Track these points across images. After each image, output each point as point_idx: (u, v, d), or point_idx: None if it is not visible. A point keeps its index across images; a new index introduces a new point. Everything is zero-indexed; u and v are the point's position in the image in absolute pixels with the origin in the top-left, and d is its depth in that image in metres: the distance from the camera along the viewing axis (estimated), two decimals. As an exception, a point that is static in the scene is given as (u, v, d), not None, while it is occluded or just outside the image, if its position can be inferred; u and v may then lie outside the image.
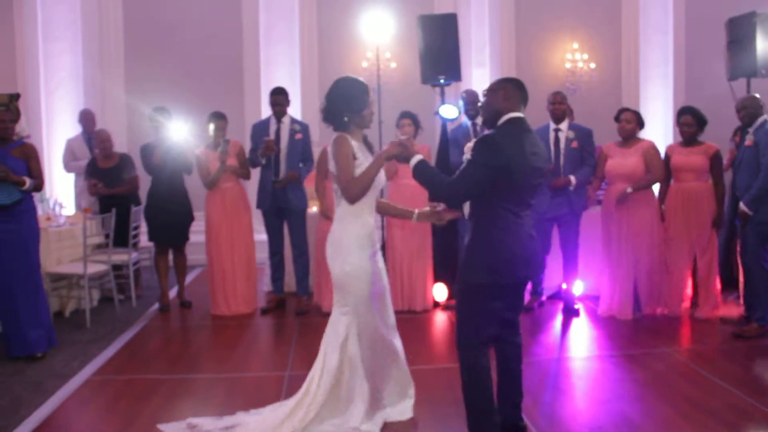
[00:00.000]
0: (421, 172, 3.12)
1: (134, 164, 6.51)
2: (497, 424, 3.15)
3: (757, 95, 5.31)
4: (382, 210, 3.64)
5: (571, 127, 5.85)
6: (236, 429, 3.47)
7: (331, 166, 3.39)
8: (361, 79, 3.45)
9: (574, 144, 5.76)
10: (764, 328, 5.09)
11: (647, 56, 9.35)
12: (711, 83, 8.18)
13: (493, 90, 3.16)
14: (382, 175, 3.43)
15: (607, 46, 9.41)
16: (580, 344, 5.20)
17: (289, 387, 4.16)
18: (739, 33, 6.51)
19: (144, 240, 6.71)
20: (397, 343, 3.60)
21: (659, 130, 9.19)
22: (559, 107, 5.80)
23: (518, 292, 3.23)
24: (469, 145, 3.17)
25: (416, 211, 3.50)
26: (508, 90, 3.10)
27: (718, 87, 7.57)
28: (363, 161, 3.35)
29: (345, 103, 3.34)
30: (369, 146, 3.52)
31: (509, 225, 3.02)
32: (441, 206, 3.36)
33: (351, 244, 3.34)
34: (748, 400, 3.88)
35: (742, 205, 5.11)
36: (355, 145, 3.36)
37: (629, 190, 5.55)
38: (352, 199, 3.30)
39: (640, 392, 4.06)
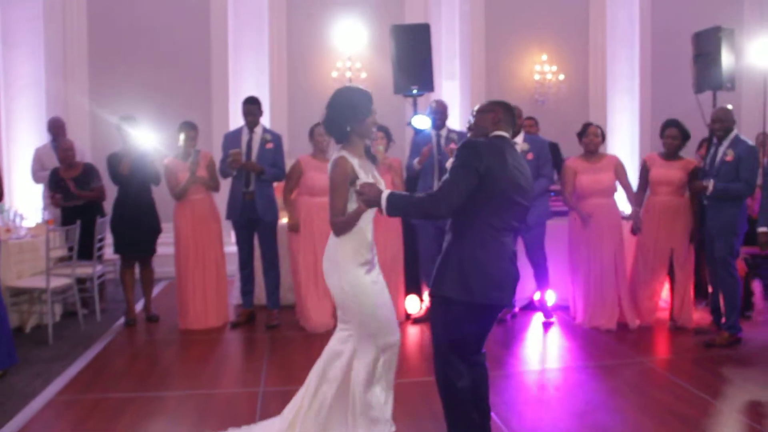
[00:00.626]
0: (396, 205, 2.95)
1: (99, 174, 6.32)
2: None
3: (730, 107, 5.35)
4: None
5: (526, 139, 5.88)
6: None
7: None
8: (363, 87, 3.33)
9: (529, 156, 5.75)
10: (735, 337, 5.15)
11: (614, 69, 9.51)
12: (676, 96, 8.32)
13: (483, 111, 3.10)
14: (382, 186, 3.26)
15: (575, 59, 9.53)
16: (555, 355, 5.19)
17: (264, 404, 4.06)
18: (705, 47, 6.60)
19: (109, 252, 6.53)
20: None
21: (626, 142, 9.34)
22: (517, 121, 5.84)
23: (491, 315, 3.07)
24: (452, 160, 3.07)
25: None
26: (498, 113, 3.05)
27: (683, 100, 7.66)
28: (364, 179, 3.19)
29: (349, 111, 3.19)
30: (372, 158, 3.37)
31: (488, 242, 2.92)
32: None
33: (346, 260, 3.19)
34: (723, 408, 3.91)
35: (709, 182, 5.12)
36: (356, 162, 3.20)
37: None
38: (336, 234, 3.21)
39: (617, 403, 4.06)
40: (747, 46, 8.55)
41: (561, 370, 4.76)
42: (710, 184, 5.12)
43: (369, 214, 3.26)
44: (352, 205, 3.19)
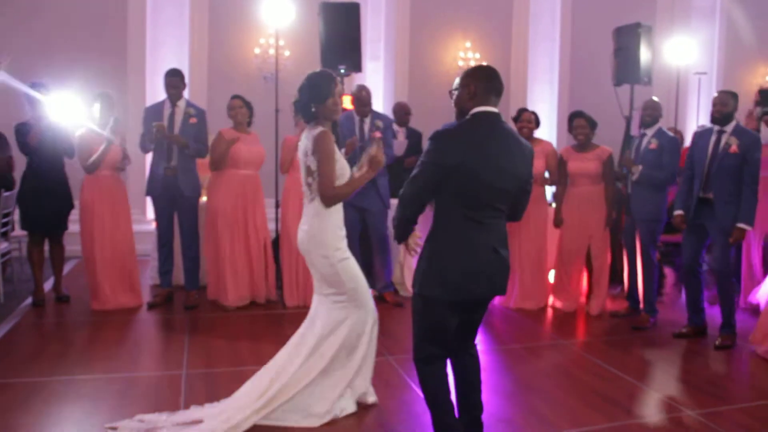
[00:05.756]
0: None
1: (8, 143, 5.86)
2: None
3: (656, 99, 5.59)
4: None
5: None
6: (194, 427, 3.24)
7: (310, 162, 3.37)
8: (329, 71, 3.52)
9: None
10: (654, 318, 5.42)
11: (536, 61, 9.74)
12: (593, 89, 8.61)
13: (459, 87, 2.87)
14: (346, 167, 3.45)
15: (497, 48, 9.68)
16: (480, 337, 5.24)
17: (188, 386, 3.91)
18: (625, 42, 6.81)
19: (15, 228, 6.11)
20: None
21: (544, 132, 9.54)
22: None
23: (478, 309, 2.94)
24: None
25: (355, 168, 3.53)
26: (471, 87, 2.78)
27: (599, 93, 7.94)
28: (339, 157, 3.39)
29: (310, 92, 3.37)
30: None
31: (468, 234, 2.72)
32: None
33: (333, 236, 3.41)
34: (644, 388, 4.08)
35: (637, 167, 5.32)
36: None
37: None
38: (328, 205, 3.37)
39: (544, 384, 4.15)
40: (659, 43, 8.92)
41: (486, 352, 4.82)
42: (638, 169, 5.33)
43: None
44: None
